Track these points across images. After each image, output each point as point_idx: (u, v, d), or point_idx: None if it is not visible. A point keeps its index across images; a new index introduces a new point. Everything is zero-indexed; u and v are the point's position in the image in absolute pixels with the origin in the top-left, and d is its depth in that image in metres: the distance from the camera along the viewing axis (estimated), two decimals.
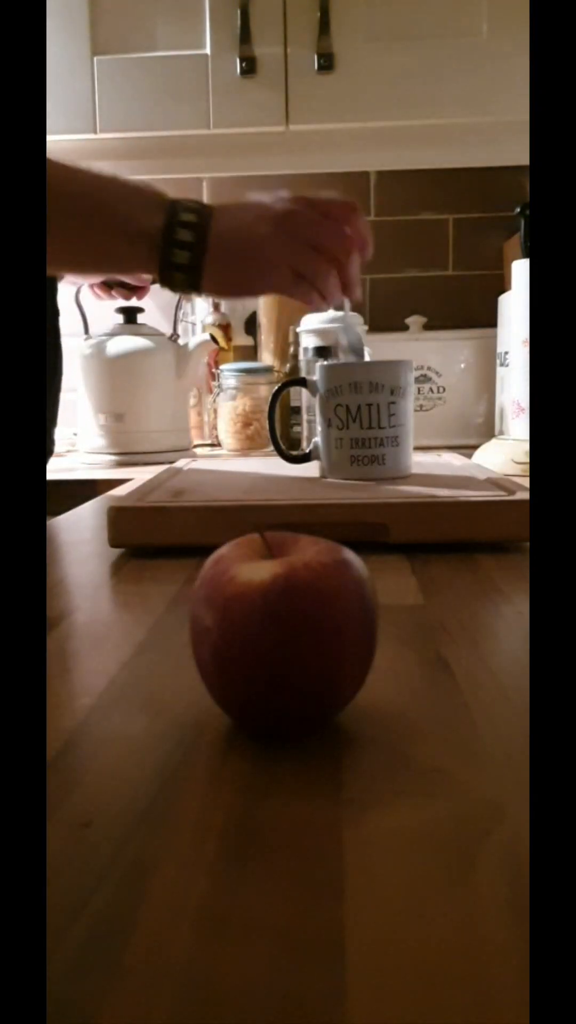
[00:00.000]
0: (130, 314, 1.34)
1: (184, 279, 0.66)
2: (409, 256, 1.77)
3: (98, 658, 0.40)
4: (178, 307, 1.37)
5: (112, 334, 1.32)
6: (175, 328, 1.35)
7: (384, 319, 1.71)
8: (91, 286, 1.21)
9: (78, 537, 0.73)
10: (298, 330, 1.38)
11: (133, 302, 1.30)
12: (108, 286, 1.20)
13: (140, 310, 1.33)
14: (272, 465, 0.85)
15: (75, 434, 1.40)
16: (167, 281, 0.67)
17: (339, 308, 0.77)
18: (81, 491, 1.14)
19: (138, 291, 1.21)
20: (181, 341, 1.35)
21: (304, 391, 0.75)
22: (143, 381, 1.31)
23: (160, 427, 1.32)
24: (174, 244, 0.65)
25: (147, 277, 1.02)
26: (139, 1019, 0.17)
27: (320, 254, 0.67)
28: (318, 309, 0.73)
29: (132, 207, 0.66)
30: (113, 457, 1.31)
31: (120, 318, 1.34)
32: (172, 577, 0.54)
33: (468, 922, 0.20)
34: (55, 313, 0.98)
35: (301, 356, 1.36)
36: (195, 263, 0.65)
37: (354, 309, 0.96)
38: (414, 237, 1.77)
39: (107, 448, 1.31)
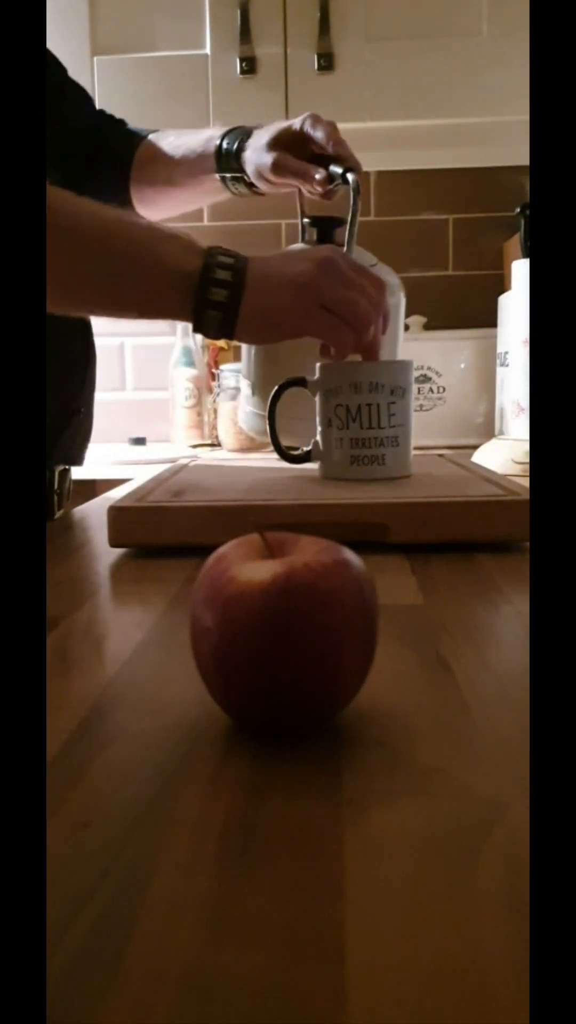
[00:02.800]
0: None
1: (220, 319, 0.66)
2: (409, 256, 1.77)
3: (98, 658, 0.40)
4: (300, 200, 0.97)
5: None
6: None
7: None
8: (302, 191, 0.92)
9: (78, 537, 0.73)
10: None
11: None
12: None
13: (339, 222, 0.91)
14: (272, 465, 0.85)
15: None
16: (201, 323, 0.67)
17: None
18: (81, 491, 1.14)
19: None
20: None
21: (304, 391, 0.75)
22: None
23: None
24: (212, 283, 0.65)
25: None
26: (139, 1019, 0.17)
27: (359, 295, 0.68)
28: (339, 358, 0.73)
29: (170, 251, 0.66)
30: None
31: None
32: (172, 577, 0.54)
33: (468, 922, 0.20)
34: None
35: None
36: (232, 302, 0.66)
37: None
38: (414, 237, 1.77)
39: None
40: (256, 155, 0.86)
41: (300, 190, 0.88)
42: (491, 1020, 0.17)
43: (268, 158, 0.85)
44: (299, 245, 0.90)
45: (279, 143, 0.86)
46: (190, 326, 0.69)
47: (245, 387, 0.92)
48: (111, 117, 1.01)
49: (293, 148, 0.86)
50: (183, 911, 0.20)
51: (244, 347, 0.92)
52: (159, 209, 1.01)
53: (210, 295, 0.65)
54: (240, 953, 0.19)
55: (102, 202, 1.01)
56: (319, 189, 0.84)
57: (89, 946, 0.19)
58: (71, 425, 0.91)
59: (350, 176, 0.80)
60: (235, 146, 0.88)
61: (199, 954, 0.19)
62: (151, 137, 0.96)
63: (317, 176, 0.83)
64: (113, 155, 0.96)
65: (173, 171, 0.94)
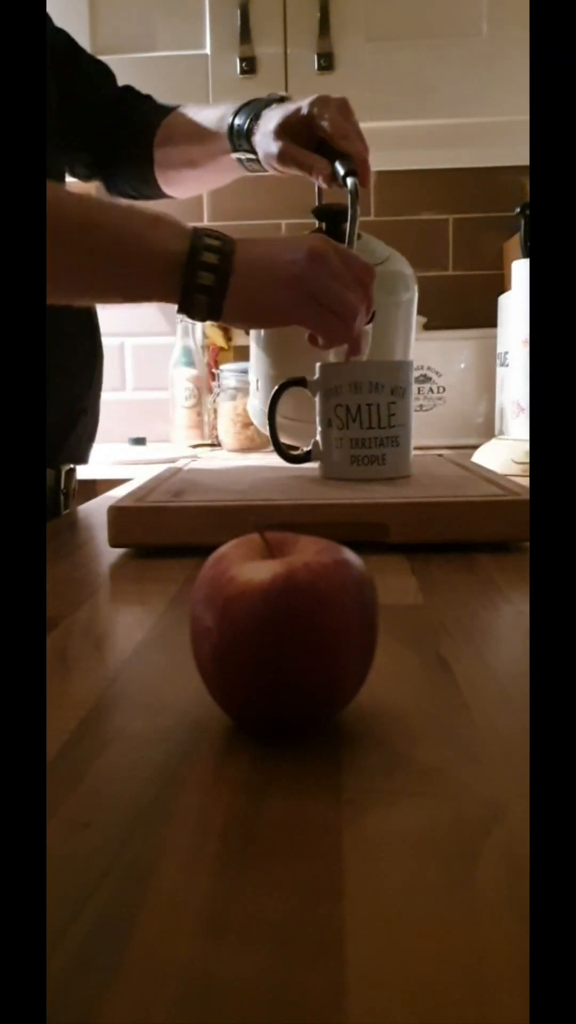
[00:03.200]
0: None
1: (207, 302, 0.66)
2: (409, 256, 1.77)
3: (98, 658, 0.40)
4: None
5: None
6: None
7: None
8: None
9: (78, 537, 0.73)
10: None
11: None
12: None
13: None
14: (272, 465, 0.85)
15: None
16: (189, 306, 0.66)
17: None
18: (81, 491, 1.14)
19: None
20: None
21: (304, 391, 0.75)
22: None
23: None
24: (199, 267, 0.64)
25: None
26: (139, 1019, 0.17)
27: (347, 289, 0.67)
28: (326, 347, 0.72)
29: (156, 235, 0.66)
30: None
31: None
32: (172, 577, 0.54)
33: (468, 922, 0.20)
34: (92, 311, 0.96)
35: None
36: (219, 286, 0.65)
37: None
38: (414, 237, 1.77)
39: None
40: (264, 141, 0.84)
41: None
42: (491, 1020, 0.17)
43: (274, 147, 0.83)
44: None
45: (287, 128, 0.83)
46: (191, 327, 0.69)
47: (252, 382, 0.92)
48: (137, 94, 0.99)
49: (301, 133, 0.82)
50: (183, 911, 0.20)
51: (252, 344, 0.91)
52: (184, 189, 0.99)
53: (197, 279, 0.64)
54: (240, 953, 0.19)
55: (127, 181, 0.98)
56: (324, 184, 0.82)
57: (89, 946, 0.19)
58: (79, 424, 0.91)
59: (349, 181, 0.78)
60: (246, 126, 0.86)
61: (199, 954, 0.19)
62: (174, 113, 0.94)
63: (322, 172, 0.80)
64: (136, 132, 0.95)
65: (192, 152, 0.92)
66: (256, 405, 0.92)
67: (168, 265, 0.65)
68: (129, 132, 0.96)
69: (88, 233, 0.65)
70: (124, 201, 0.76)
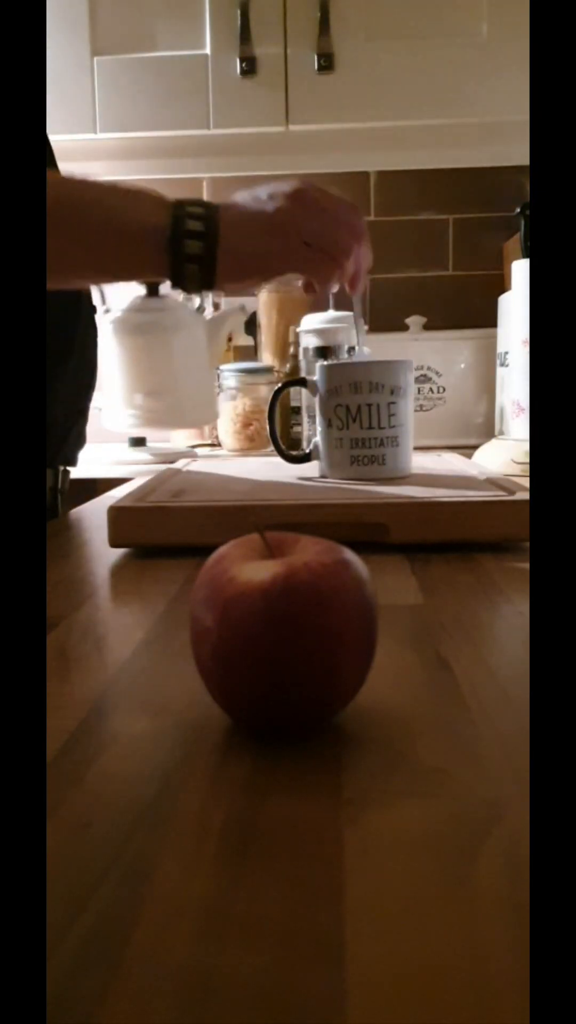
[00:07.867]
0: (152, 286, 1.26)
1: (198, 272, 0.64)
2: (409, 256, 1.77)
3: (98, 658, 0.40)
4: None
5: (136, 308, 1.26)
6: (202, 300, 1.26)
7: (384, 319, 1.71)
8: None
9: (78, 537, 0.73)
10: (298, 330, 1.38)
11: None
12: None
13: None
14: (272, 465, 0.85)
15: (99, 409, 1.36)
16: (180, 278, 0.65)
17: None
18: (81, 491, 1.14)
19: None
20: (208, 313, 1.31)
21: (304, 391, 0.75)
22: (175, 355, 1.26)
23: (192, 402, 1.30)
24: (185, 235, 0.63)
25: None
26: (139, 1019, 0.17)
27: (337, 225, 0.66)
28: (322, 304, 0.70)
29: (138, 210, 0.65)
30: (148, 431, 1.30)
31: (143, 290, 1.28)
32: (172, 577, 0.54)
33: (468, 922, 0.20)
34: (91, 308, 0.95)
35: (301, 356, 1.36)
36: (208, 253, 0.64)
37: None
38: (414, 237, 1.77)
39: (142, 425, 1.30)
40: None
41: None
42: (491, 1020, 0.17)
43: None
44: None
45: None
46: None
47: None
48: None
49: None
50: (183, 911, 0.20)
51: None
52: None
53: (185, 248, 0.64)
54: (240, 953, 0.19)
55: None
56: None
57: (89, 946, 0.19)
58: (77, 425, 0.92)
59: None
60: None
61: (199, 954, 0.19)
62: None
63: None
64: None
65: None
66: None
67: (154, 238, 0.64)
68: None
69: (72, 213, 0.64)
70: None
